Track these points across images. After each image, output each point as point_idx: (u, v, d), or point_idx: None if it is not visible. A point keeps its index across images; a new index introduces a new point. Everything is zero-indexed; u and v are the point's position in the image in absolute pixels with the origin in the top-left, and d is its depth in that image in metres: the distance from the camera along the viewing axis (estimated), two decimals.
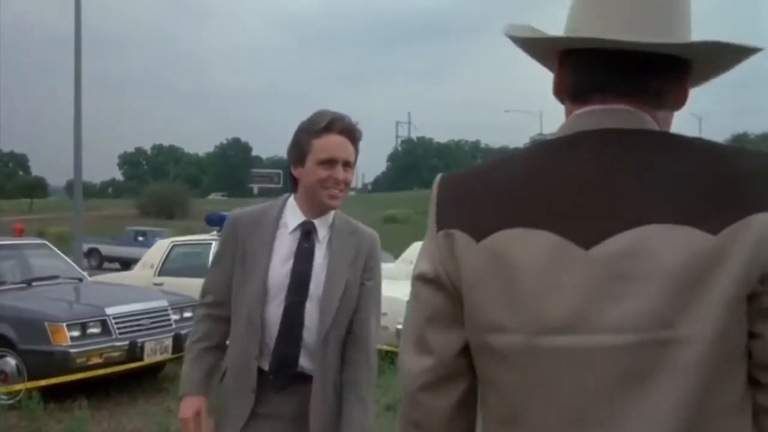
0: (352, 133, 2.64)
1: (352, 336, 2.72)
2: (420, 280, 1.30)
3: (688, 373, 1.07)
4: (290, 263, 2.64)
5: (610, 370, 1.11)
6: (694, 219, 1.08)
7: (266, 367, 2.64)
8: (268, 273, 2.61)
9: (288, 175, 2.75)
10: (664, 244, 1.08)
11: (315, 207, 2.67)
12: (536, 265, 1.15)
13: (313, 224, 2.69)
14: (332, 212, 2.72)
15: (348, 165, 2.64)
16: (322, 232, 2.70)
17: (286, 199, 2.75)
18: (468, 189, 1.27)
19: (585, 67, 1.26)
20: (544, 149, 1.26)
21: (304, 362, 2.64)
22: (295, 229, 2.68)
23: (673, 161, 1.14)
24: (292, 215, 2.70)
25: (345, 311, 2.67)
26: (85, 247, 33.29)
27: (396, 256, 16.24)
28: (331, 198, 2.63)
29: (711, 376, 1.08)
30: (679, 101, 1.25)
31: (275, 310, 2.62)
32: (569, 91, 1.28)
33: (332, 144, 2.59)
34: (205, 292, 2.82)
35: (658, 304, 1.08)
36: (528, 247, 1.16)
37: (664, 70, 1.22)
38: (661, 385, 1.08)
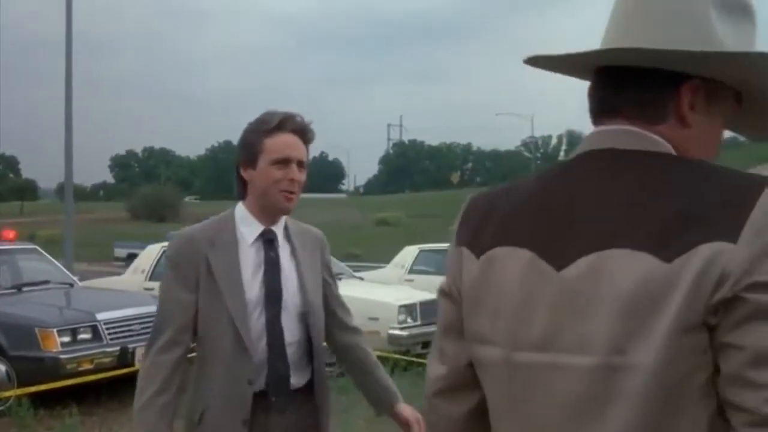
0: (304, 133, 2.55)
1: (343, 324, 2.77)
2: (440, 292, 1.38)
3: (638, 401, 1.06)
4: (260, 276, 2.51)
5: (570, 392, 1.12)
6: (653, 246, 1.07)
7: (259, 389, 2.46)
8: (244, 288, 2.47)
9: (236, 179, 2.60)
10: (620, 270, 1.08)
11: (269, 211, 2.55)
12: (515, 282, 1.20)
13: (273, 232, 2.57)
14: (283, 216, 2.62)
15: (302, 165, 2.53)
16: (280, 237, 2.60)
17: (233, 211, 2.61)
18: (482, 208, 1.33)
19: (592, 85, 1.30)
20: (549, 171, 1.29)
21: (293, 375, 2.53)
22: (256, 240, 2.55)
23: (649, 185, 1.14)
24: (248, 226, 2.56)
25: (317, 314, 2.61)
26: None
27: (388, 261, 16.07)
28: (287, 199, 2.52)
29: (661, 405, 1.06)
30: (680, 116, 1.21)
31: (255, 325, 2.47)
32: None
33: (285, 143, 2.50)
34: (160, 329, 2.49)
35: (610, 329, 1.08)
36: (512, 264, 1.21)
37: (652, 82, 1.21)
38: (614, 411, 1.08)
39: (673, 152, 1.21)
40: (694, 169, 1.15)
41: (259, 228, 2.56)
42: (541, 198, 1.23)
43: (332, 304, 2.74)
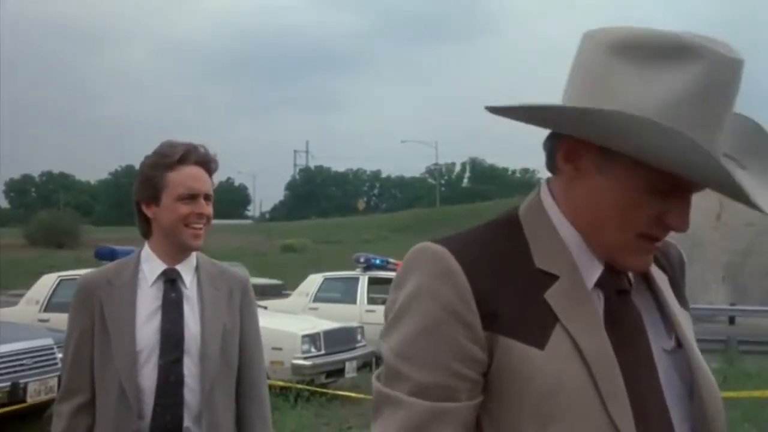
0: (208, 165, 2.45)
1: (243, 387, 2.53)
2: None
3: None
4: (158, 319, 2.36)
5: None
6: None
7: None
8: (135, 334, 2.33)
9: (138, 217, 2.47)
10: None
11: (176, 250, 2.43)
12: None
13: (176, 271, 2.43)
14: (194, 255, 2.49)
15: (208, 198, 2.43)
16: (188, 277, 2.45)
17: (140, 251, 2.49)
18: None
19: None
20: None
21: (191, 425, 2.36)
22: (156, 280, 2.41)
23: None
24: (151, 266, 2.43)
25: (228, 360, 2.46)
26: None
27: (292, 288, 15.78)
28: (194, 237, 2.40)
29: None
30: (559, 168, 1.23)
31: (150, 374, 2.32)
32: None
33: (191, 176, 2.39)
34: (61, 377, 2.46)
35: None
36: None
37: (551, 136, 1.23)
38: None
39: (551, 210, 1.24)
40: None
41: (161, 267, 2.43)
42: None
43: (241, 358, 2.52)
